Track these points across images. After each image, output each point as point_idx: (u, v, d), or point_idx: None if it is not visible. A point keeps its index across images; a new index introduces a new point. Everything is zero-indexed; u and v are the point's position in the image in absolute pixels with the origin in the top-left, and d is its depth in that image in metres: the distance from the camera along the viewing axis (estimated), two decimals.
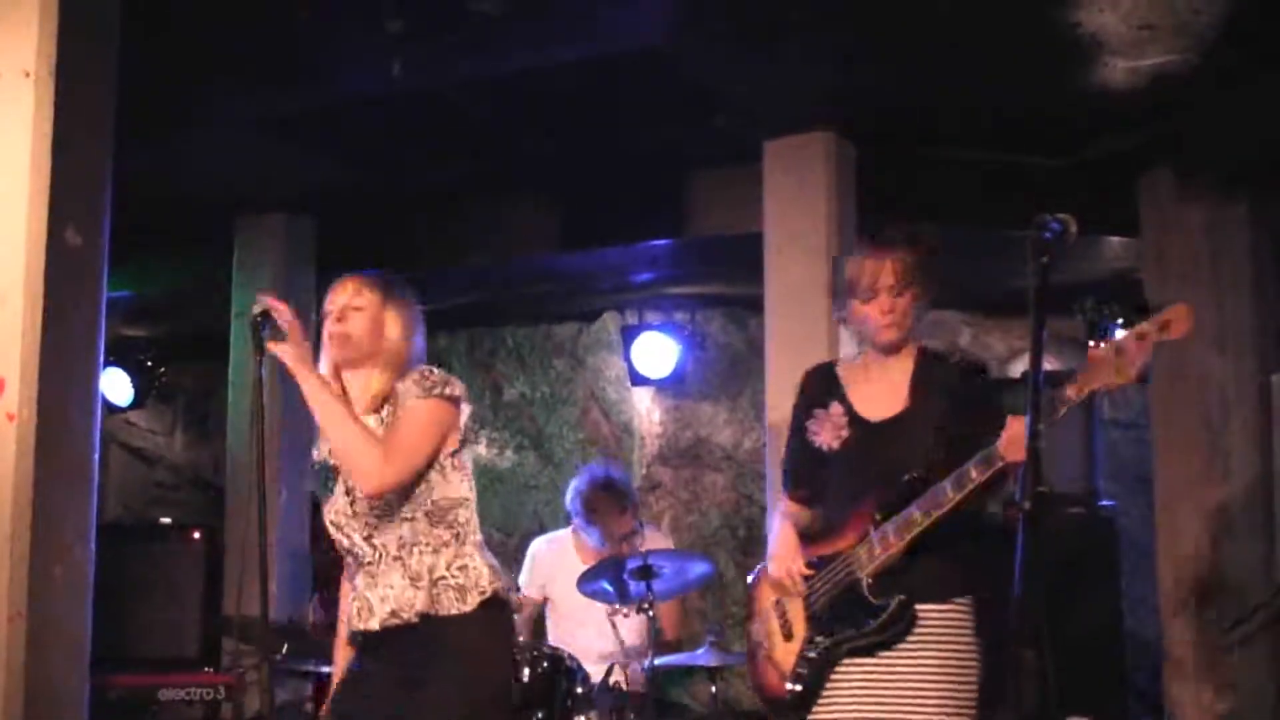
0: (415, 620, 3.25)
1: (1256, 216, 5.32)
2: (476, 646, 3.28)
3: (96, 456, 3.64)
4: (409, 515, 3.30)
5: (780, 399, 5.38)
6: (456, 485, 3.37)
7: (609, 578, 4.90)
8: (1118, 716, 5.31)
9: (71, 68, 3.54)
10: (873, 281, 3.28)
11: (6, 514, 3.35)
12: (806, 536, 3.39)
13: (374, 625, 3.29)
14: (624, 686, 4.87)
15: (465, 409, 3.39)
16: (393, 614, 3.26)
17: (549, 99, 5.09)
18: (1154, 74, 4.74)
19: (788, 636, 3.36)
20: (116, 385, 7.52)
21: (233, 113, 5.20)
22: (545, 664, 4.56)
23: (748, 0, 4.33)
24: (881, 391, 3.35)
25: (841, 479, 3.35)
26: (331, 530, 3.41)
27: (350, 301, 3.37)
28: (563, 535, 5.64)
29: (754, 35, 4.58)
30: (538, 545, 5.69)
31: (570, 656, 4.66)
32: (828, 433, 3.38)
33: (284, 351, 3.18)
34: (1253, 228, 5.32)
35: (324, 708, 3.57)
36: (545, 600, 5.56)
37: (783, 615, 3.38)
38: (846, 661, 3.22)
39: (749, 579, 3.59)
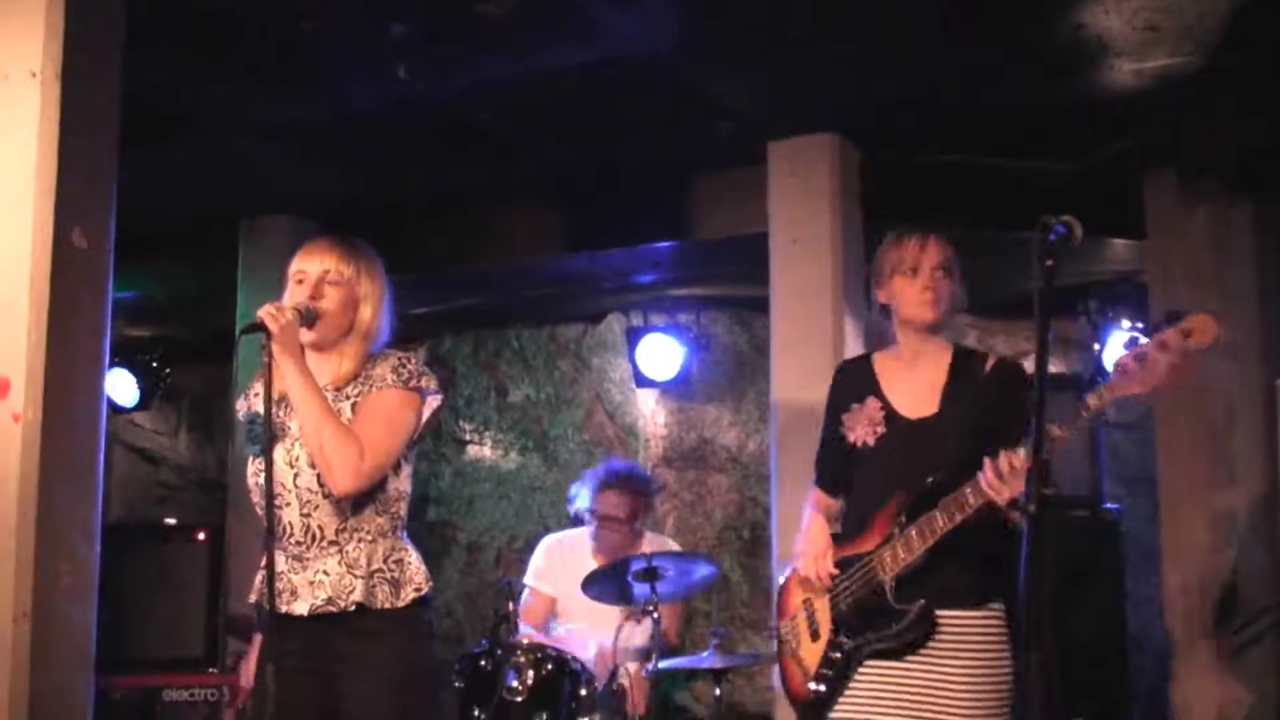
0: (350, 609, 3.14)
1: (1262, 219, 5.31)
2: (406, 645, 3.21)
3: (101, 457, 3.64)
4: (356, 500, 3.19)
5: (785, 400, 5.38)
6: (404, 478, 3.30)
7: (613, 580, 4.89)
8: (1121, 718, 5.32)
9: (77, 69, 3.54)
10: (917, 258, 3.28)
11: (12, 514, 3.35)
12: (835, 536, 3.39)
13: (300, 610, 3.16)
14: (628, 689, 4.87)
15: (434, 402, 3.32)
16: (328, 601, 3.15)
17: (553, 102, 5.09)
18: (1159, 76, 4.73)
19: (814, 636, 3.36)
20: (122, 386, 7.53)
21: (238, 116, 5.20)
22: (550, 666, 4.56)
23: (752, 6, 4.33)
24: (918, 388, 3.33)
25: (872, 476, 3.34)
26: (255, 494, 3.22)
27: (327, 274, 3.26)
28: (576, 535, 5.63)
29: (758, 40, 4.57)
30: (549, 542, 5.68)
31: (575, 659, 4.66)
32: (863, 428, 3.36)
33: (274, 346, 3.11)
34: (1258, 231, 5.31)
35: (243, 693, 3.45)
36: (554, 599, 5.55)
37: (810, 614, 3.39)
38: (869, 663, 3.23)
39: (781, 578, 3.58)
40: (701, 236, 6.00)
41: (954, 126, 5.31)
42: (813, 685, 3.31)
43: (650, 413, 7.28)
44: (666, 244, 6.16)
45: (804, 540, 3.43)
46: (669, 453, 7.21)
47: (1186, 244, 5.39)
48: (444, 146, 5.55)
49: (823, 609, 3.35)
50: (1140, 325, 5.94)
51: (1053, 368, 2.76)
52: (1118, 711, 5.34)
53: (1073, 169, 5.43)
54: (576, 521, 5.63)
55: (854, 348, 5.34)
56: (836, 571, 3.32)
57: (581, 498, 5.53)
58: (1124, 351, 2.87)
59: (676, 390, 7.14)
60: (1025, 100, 5.03)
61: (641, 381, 7.01)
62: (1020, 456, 2.97)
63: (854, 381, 3.46)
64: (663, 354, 6.86)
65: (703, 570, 5.06)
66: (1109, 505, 5.79)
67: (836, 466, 3.48)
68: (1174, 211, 5.42)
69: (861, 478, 3.38)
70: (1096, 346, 6.16)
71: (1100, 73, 4.73)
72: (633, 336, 6.97)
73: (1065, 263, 2.55)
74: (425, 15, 4.30)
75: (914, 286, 3.29)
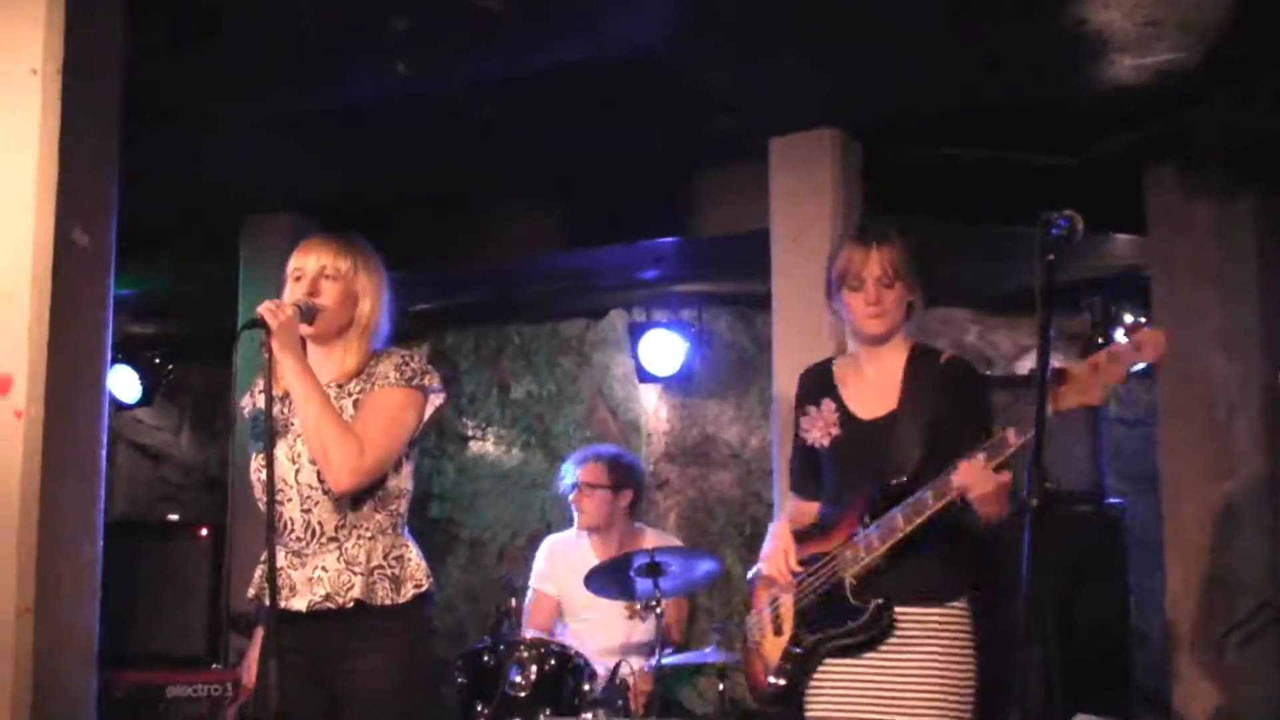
0: (350, 606, 3.14)
1: (1263, 213, 5.31)
2: (406, 641, 3.20)
3: (104, 454, 3.64)
4: (355, 497, 3.19)
5: (787, 396, 5.37)
6: (405, 476, 3.30)
7: (616, 576, 4.90)
8: (1124, 713, 5.31)
9: (78, 65, 3.54)
10: (859, 271, 3.30)
11: (14, 510, 3.35)
12: (802, 535, 3.41)
13: (299, 606, 3.16)
14: (631, 684, 4.88)
15: (437, 400, 3.32)
16: (326, 598, 3.15)
17: (554, 98, 5.08)
18: (1160, 70, 4.73)
19: (777, 631, 3.41)
20: (125, 383, 7.53)
21: (239, 114, 5.20)
22: (553, 661, 4.56)
23: (752, 1, 4.32)
24: (874, 388, 3.37)
25: (835, 477, 3.39)
26: (258, 489, 3.22)
27: (324, 270, 3.27)
28: (575, 534, 5.64)
29: (758, 35, 4.57)
30: (550, 543, 5.69)
31: (578, 654, 4.66)
32: (818, 430, 3.41)
33: (273, 343, 3.10)
34: (1259, 225, 5.31)
35: (245, 690, 3.46)
36: (559, 598, 5.55)
37: (775, 611, 3.43)
38: (829, 660, 3.28)
39: (749, 576, 3.62)
40: (703, 233, 6.00)
41: (955, 122, 5.30)
42: (772, 679, 3.38)
43: (653, 409, 7.28)
44: (668, 240, 6.16)
45: (769, 542, 3.46)
46: (671, 448, 7.21)
47: (1188, 238, 5.39)
48: (445, 143, 5.54)
49: (787, 605, 3.39)
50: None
51: (1054, 362, 2.77)
52: (1120, 706, 5.34)
53: (1074, 164, 5.43)
54: (567, 507, 5.65)
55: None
56: (799, 569, 3.34)
57: (568, 474, 5.58)
58: (1078, 363, 2.87)
59: (679, 386, 7.14)
60: (1027, 96, 5.02)
61: (644, 377, 7.01)
62: (980, 460, 2.99)
63: (814, 385, 3.51)
64: (665, 350, 6.87)
65: (705, 566, 5.06)
66: (1112, 500, 5.79)
67: (802, 471, 3.54)
68: (1175, 206, 5.42)
69: (826, 478, 3.43)
70: (1101, 341, 6.16)
71: (1101, 68, 4.73)
72: (635, 332, 6.97)
73: (1067, 258, 2.56)
74: (425, 11, 4.30)
75: (858, 300, 3.31)
